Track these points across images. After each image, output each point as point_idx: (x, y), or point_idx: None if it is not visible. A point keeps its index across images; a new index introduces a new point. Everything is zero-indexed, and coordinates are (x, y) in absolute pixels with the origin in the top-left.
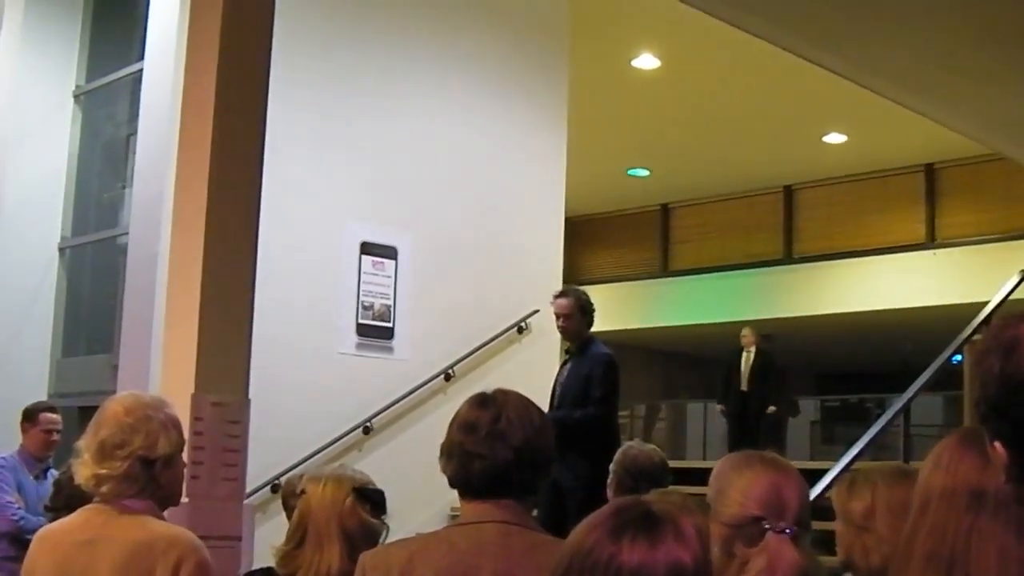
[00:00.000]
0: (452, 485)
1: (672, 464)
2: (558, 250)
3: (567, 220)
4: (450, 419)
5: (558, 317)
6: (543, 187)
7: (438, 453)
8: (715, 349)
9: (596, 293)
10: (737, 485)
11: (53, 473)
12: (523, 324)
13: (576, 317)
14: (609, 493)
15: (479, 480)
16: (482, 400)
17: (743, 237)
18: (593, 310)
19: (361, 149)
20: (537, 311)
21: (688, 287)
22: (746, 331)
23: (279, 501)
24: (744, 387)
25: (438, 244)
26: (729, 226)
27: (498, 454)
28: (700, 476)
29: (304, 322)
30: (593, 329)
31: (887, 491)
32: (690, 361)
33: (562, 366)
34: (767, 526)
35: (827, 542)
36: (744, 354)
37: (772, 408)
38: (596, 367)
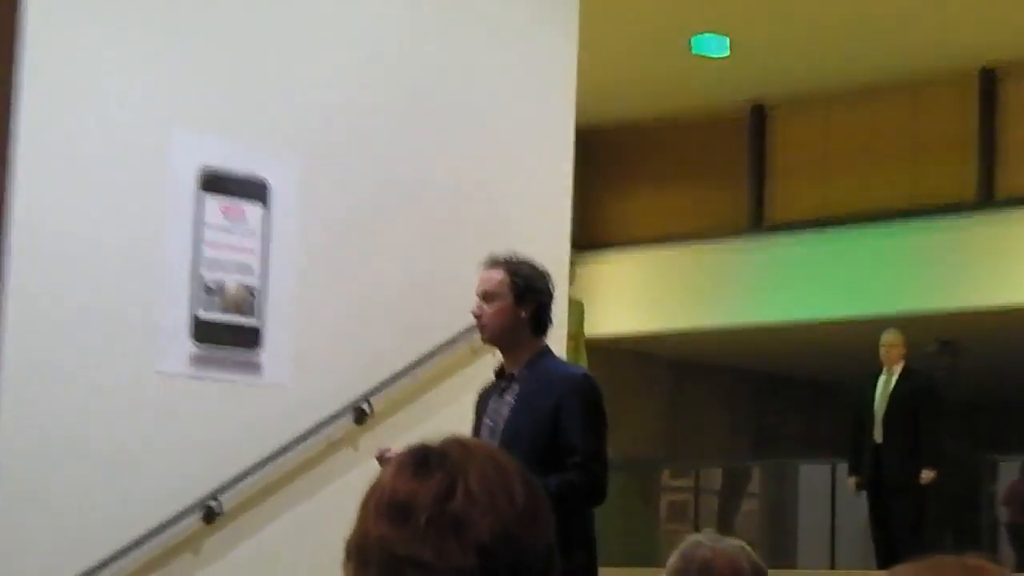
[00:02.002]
0: None
1: (774, 575)
2: (563, 191)
3: (581, 135)
4: (363, 494)
5: (481, 301)
6: (536, 79)
7: (340, 556)
8: (848, 367)
9: (631, 265)
10: None
11: None
12: None
13: (507, 304)
14: None
15: None
16: (422, 459)
17: (901, 162)
18: (547, 298)
19: (203, 16)
20: None
21: (799, 255)
22: (889, 337)
23: None
24: (878, 437)
25: (346, 179)
26: (875, 143)
27: (451, 559)
28: None
29: (95, 320)
30: (621, 330)
31: None
32: (804, 389)
33: (484, 399)
34: None
35: None
36: (883, 378)
37: (928, 474)
38: (569, 397)
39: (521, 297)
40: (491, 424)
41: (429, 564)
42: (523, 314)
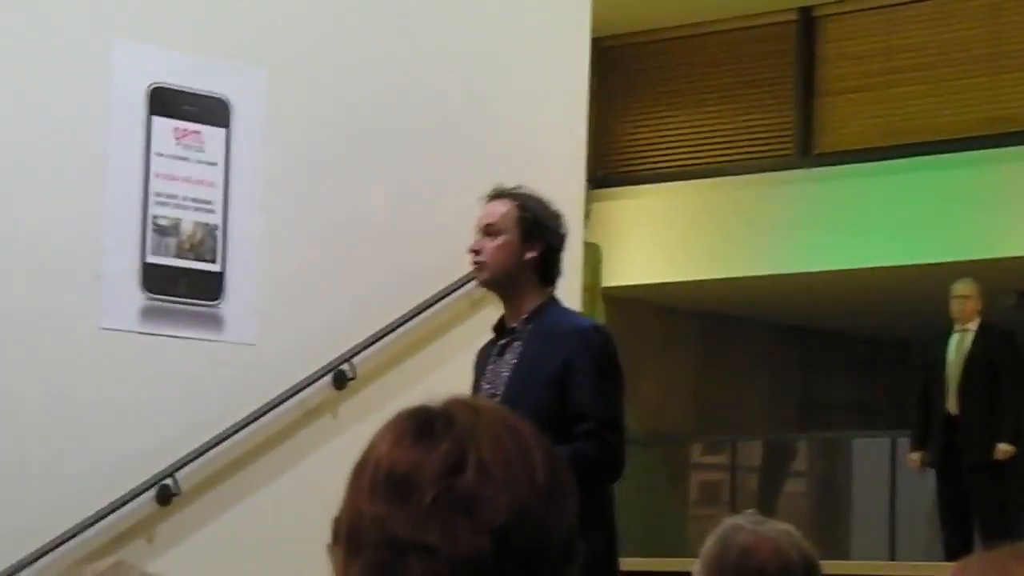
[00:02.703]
0: None
1: (825, 565)
2: (576, 114)
3: (597, 47)
4: (352, 467)
5: (482, 236)
6: None
7: (323, 541)
8: (913, 323)
9: (656, 203)
10: None
11: None
12: None
13: (512, 240)
14: None
15: None
16: (424, 425)
17: (979, 79)
18: (558, 241)
19: None
20: None
21: (856, 190)
22: (963, 287)
23: None
24: (952, 407)
25: (322, 97)
26: (948, 55)
27: (461, 542)
28: None
29: (27, 268)
30: (644, 279)
31: None
32: (859, 349)
33: (482, 359)
34: None
35: None
36: (955, 336)
37: (1005, 447)
38: (578, 354)
39: (529, 234)
40: (490, 388)
41: (436, 549)
42: (529, 254)
